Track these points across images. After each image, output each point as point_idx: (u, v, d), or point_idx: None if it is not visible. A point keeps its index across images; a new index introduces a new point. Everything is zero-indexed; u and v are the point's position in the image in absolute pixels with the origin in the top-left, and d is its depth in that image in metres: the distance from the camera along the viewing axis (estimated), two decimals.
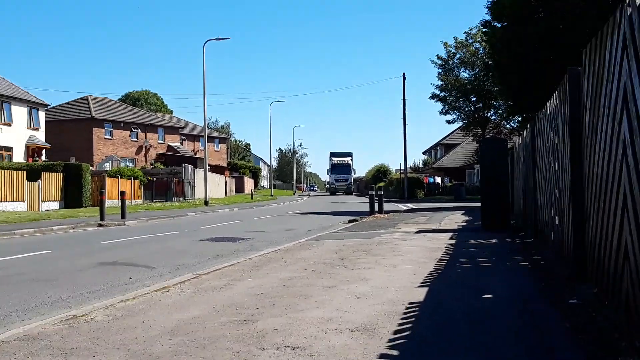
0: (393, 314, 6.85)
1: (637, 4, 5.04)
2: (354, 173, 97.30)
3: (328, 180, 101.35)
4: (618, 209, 5.84)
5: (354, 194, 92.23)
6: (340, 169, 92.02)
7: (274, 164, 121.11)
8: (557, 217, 10.25)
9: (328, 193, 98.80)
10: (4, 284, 10.44)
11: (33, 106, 49.89)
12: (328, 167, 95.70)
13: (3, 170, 34.03)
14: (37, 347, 5.78)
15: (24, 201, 35.28)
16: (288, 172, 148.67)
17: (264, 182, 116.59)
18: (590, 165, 7.28)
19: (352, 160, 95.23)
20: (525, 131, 16.58)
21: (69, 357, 5.40)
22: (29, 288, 9.99)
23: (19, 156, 46.43)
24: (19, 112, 47.76)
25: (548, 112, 11.06)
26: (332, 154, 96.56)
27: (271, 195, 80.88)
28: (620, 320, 5.74)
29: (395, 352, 5.33)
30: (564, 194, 9.28)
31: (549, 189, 11.35)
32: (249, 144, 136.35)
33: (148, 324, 6.62)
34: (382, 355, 5.21)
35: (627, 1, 5.37)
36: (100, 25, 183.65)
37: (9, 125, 45.86)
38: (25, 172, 35.64)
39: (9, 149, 45.69)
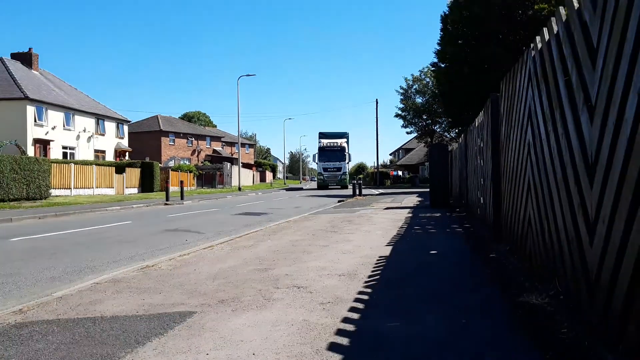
0: (368, 264, 7.42)
1: (539, 48, 5.59)
2: (350, 160, 61.43)
3: (316, 169, 64.35)
4: (524, 192, 6.38)
5: (350, 186, 56.40)
6: (330, 155, 57.68)
7: (287, 162, 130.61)
8: (482, 198, 10.76)
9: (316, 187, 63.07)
10: (99, 244, 11.24)
11: (119, 122, 55.73)
12: (315, 152, 59.96)
13: (99, 167, 40.43)
14: (121, 286, 6.29)
15: (113, 187, 41.59)
16: (296, 168, 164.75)
17: (279, 175, 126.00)
18: (505, 161, 7.80)
19: (347, 143, 60.13)
20: (460, 139, 18.10)
21: (143, 293, 5.87)
22: (116, 247, 10.70)
23: (109, 157, 52.54)
24: (110, 126, 53.80)
25: (476, 125, 11.53)
26: (322, 135, 61.23)
27: (284, 184, 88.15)
28: (524, 268, 6.26)
29: (369, 290, 5.82)
30: (487, 182, 9.75)
31: (476, 178, 11.95)
32: (269, 148, 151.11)
33: (198, 271, 7.11)
34: (360, 292, 5.70)
35: (532, 46, 5.93)
36: (167, 65, 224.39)
37: (103, 135, 52.13)
38: (114, 168, 41.68)
39: (103, 151, 51.91)
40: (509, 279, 6.14)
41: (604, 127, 3.78)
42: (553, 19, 5.22)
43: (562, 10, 4.94)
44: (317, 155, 58.65)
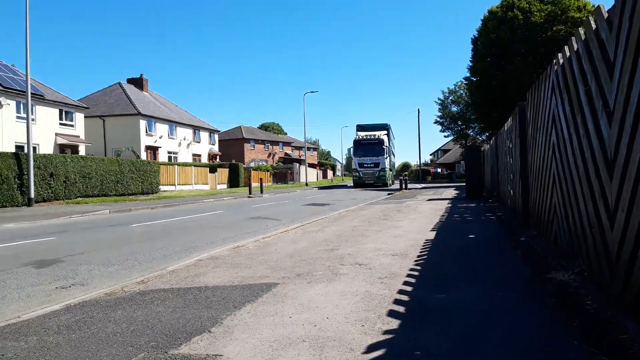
0: (416, 246, 7.35)
1: (561, 62, 5.43)
2: (389, 154, 43.12)
3: (352, 165, 42.95)
4: (549, 185, 6.25)
5: (390, 184, 43.04)
6: (367, 148, 40.70)
7: (344, 162, 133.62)
8: (511, 190, 10.64)
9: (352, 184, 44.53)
10: (199, 229, 11.37)
11: (211, 131, 57.43)
12: (350, 146, 42.03)
13: (196, 167, 40.95)
14: (218, 262, 6.45)
15: (207, 184, 42.66)
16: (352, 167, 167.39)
17: (338, 173, 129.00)
18: (532, 159, 7.73)
19: (388, 135, 42.58)
20: (491, 141, 17.78)
21: (236, 268, 6.01)
22: (212, 231, 10.81)
23: (204, 159, 54.17)
24: (204, 135, 55.41)
25: (505, 129, 11.39)
26: (359, 127, 44.02)
27: (342, 180, 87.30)
28: (550, 250, 6.07)
29: (418, 267, 5.78)
30: (516, 177, 9.66)
31: (506, 174, 11.76)
32: (329, 151, 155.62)
33: (278, 251, 7.27)
34: (410, 269, 5.66)
35: (554, 61, 5.81)
36: (248, 85, 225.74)
37: (199, 142, 53.92)
38: (208, 168, 43.22)
39: (199, 155, 53.71)
40: (537, 258, 5.93)
41: (621, 129, 3.63)
42: (573, 38, 5.05)
43: (581, 30, 4.80)
44: (353, 149, 41.51)
